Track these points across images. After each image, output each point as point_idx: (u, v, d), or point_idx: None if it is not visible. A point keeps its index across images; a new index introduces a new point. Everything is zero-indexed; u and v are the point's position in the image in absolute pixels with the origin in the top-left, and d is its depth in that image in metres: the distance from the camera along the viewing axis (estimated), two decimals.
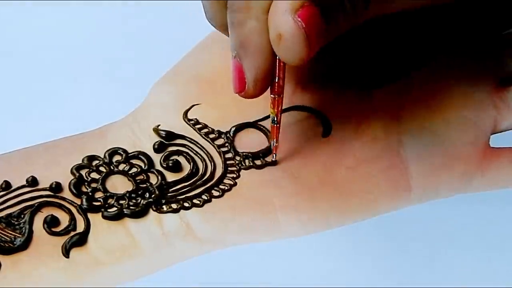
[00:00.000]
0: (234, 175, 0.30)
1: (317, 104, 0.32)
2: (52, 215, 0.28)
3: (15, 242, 0.27)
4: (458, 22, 0.33)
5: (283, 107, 0.31)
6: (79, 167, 0.29)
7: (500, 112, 0.32)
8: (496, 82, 0.32)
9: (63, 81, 0.44)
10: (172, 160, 0.30)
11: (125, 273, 0.28)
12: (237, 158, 0.30)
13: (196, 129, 0.31)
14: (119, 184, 0.29)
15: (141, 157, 0.30)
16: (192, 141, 0.31)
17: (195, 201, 0.29)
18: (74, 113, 0.43)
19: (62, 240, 0.27)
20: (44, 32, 0.45)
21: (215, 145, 0.31)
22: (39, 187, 0.29)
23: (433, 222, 0.41)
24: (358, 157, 0.31)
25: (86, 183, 0.29)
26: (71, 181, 0.29)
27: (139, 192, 0.29)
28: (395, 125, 0.31)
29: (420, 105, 0.32)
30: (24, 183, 0.29)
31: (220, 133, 0.31)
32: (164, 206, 0.29)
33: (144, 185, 0.29)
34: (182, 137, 0.31)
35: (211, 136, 0.31)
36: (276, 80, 0.27)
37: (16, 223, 0.28)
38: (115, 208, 0.28)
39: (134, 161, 0.30)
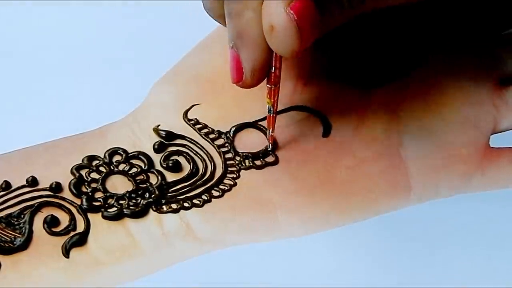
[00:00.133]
0: (234, 175, 0.30)
1: (316, 104, 0.32)
2: (52, 215, 0.28)
3: (15, 242, 0.27)
4: (458, 22, 0.33)
5: (283, 108, 0.31)
6: (79, 167, 0.29)
7: (500, 112, 0.32)
8: (496, 82, 0.32)
9: (63, 81, 0.44)
10: (172, 160, 0.30)
11: (125, 273, 0.28)
12: (237, 158, 0.30)
13: (196, 129, 0.31)
14: (119, 184, 0.29)
15: (141, 157, 0.30)
16: (192, 141, 0.31)
17: (195, 201, 0.29)
18: (74, 113, 0.43)
19: (62, 240, 0.27)
20: (44, 32, 0.45)
21: (215, 145, 0.31)
22: (39, 187, 0.29)
23: (433, 222, 0.41)
24: (358, 156, 0.31)
25: (86, 183, 0.29)
26: (71, 181, 0.29)
27: (139, 192, 0.29)
28: (395, 124, 0.31)
29: (420, 105, 0.32)
30: (24, 183, 0.29)
31: (220, 133, 0.31)
32: (164, 206, 0.29)
33: (144, 185, 0.29)
34: (182, 137, 0.31)
35: (211, 136, 0.31)
36: (273, 70, 0.28)
37: (16, 223, 0.28)
38: (115, 208, 0.28)
39: (134, 161, 0.30)
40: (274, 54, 0.27)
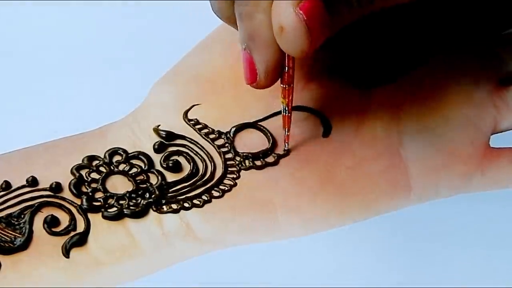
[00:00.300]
0: (234, 176, 0.30)
1: (317, 104, 0.32)
2: (52, 215, 0.28)
3: (15, 242, 0.27)
4: (458, 22, 0.33)
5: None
6: (79, 167, 0.29)
7: (500, 112, 0.32)
8: (496, 82, 0.32)
9: (63, 81, 0.44)
10: (172, 160, 0.30)
11: (125, 273, 0.28)
12: (237, 158, 0.30)
13: (196, 129, 0.31)
14: (119, 184, 0.29)
15: (141, 157, 0.30)
16: (192, 141, 0.31)
17: (195, 201, 0.29)
18: (74, 113, 0.43)
19: (62, 240, 0.27)
20: (44, 32, 0.45)
21: (215, 146, 0.31)
22: (39, 187, 0.29)
23: (433, 222, 0.41)
24: (358, 156, 0.31)
25: (86, 183, 0.29)
26: (71, 181, 0.29)
27: (139, 192, 0.29)
28: (395, 124, 0.31)
29: (420, 105, 0.32)
30: (24, 183, 0.29)
31: (220, 133, 0.31)
32: (164, 206, 0.29)
33: (144, 185, 0.29)
34: (182, 137, 0.31)
35: (211, 136, 0.31)
36: (286, 70, 0.28)
37: (16, 223, 0.28)
38: (115, 208, 0.28)
39: (134, 161, 0.30)
40: (287, 54, 0.27)
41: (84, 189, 0.29)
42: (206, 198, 0.29)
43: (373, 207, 0.30)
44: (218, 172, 0.30)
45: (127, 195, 0.29)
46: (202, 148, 0.30)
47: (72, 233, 0.28)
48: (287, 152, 0.30)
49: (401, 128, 0.31)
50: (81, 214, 0.28)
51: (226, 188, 0.29)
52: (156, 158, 0.30)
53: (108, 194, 0.29)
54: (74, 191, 0.29)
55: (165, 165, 0.30)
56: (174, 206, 0.29)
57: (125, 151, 0.30)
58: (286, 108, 0.29)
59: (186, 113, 0.31)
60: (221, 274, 0.40)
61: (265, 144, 0.31)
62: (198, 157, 0.30)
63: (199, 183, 0.29)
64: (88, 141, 0.31)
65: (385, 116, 0.32)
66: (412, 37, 0.33)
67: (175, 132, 0.31)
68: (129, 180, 0.29)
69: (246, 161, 0.30)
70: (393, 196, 0.30)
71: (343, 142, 0.31)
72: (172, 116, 0.31)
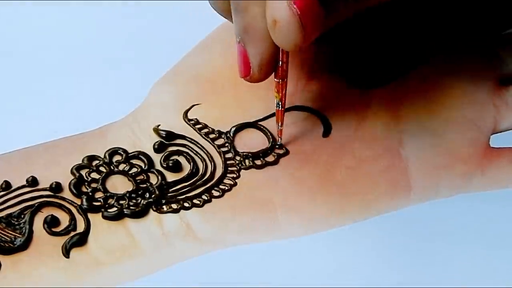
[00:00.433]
0: (234, 175, 0.30)
1: (317, 104, 0.32)
2: (52, 215, 0.28)
3: (15, 242, 0.27)
4: (458, 22, 0.33)
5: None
6: (79, 167, 0.29)
7: (500, 112, 0.32)
8: (496, 82, 0.32)
9: (63, 81, 0.44)
10: (172, 160, 0.30)
11: (125, 273, 0.28)
12: (237, 158, 0.30)
13: (196, 129, 0.31)
14: (119, 184, 0.29)
15: (141, 157, 0.30)
16: (192, 141, 0.31)
17: (195, 201, 0.29)
18: (74, 113, 0.43)
19: (62, 240, 0.27)
20: (44, 32, 0.45)
21: (215, 145, 0.31)
22: (39, 187, 0.29)
23: (433, 222, 0.41)
24: (358, 157, 0.31)
25: (86, 183, 0.29)
26: (71, 181, 0.29)
27: (139, 192, 0.29)
28: (395, 124, 0.31)
29: (420, 105, 0.32)
30: (24, 183, 0.29)
31: (220, 133, 0.31)
32: (164, 206, 0.29)
33: (144, 185, 0.29)
34: (182, 137, 0.31)
35: (211, 136, 0.31)
36: (280, 65, 0.28)
37: (16, 223, 0.28)
38: (115, 208, 0.28)
39: (134, 161, 0.30)
40: (281, 49, 0.27)
41: (84, 189, 0.29)
42: (206, 198, 0.29)
43: (373, 207, 0.30)
44: (218, 172, 0.30)
45: (127, 195, 0.29)
46: (202, 148, 0.30)
47: (72, 233, 0.28)
48: (286, 151, 0.30)
49: (401, 128, 0.31)
50: (81, 214, 0.28)
51: (226, 188, 0.29)
52: (156, 158, 0.30)
53: (108, 194, 0.29)
54: (74, 191, 0.29)
55: (165, 165, 0.30)
56: (174, 206, 0.29)
57: (125, 151, 0.30)
58: (280, 103, 0.29)
59: (186, 113, 0.31)
60: (221, 274, 0.40)
61: (265, 143, 0.31)
62: (198, 157, 0.30)
63: (199, 182, 0.29)
64: (88, 141, 0.31)
65: (385, 116, 0.32)
66: (412, 37, 0.33)
67: (175, 132, 0.31)
68: (129, 180, 0.29)
69: (246, 161, 0.30)
70: (393, 196, 0.30)
71: (343, 142, 0.31)
72: (172, 116, 0.31)
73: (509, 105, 0.32)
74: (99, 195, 0.29)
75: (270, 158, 0.30)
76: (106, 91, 0.44)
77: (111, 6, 0.45)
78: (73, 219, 0.28)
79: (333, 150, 0.31)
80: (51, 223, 0.28)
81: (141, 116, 0.31)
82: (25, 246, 0.27)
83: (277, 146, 0.31)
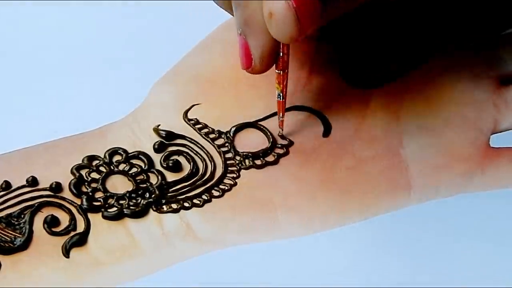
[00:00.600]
0: (234, 175, 0.30)
1: (316, 104, 0.32)
2: (52, 215, 0.28)
3: (15, 242, 0.27)
4: (458, 22, 0.33)
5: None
6: (79, 167, 0.29)
7: (500, 112, 0.32)
8: (496, 82, 0.33)
9: (63, 81, 0.44)
10: (172, 160, 0.30)
11: (125, 273, 0.28)
12: (237, 158, 0.30)
13: (196, 129, 0.31)
14: (119, 184, 0.29)
15: (141, 157, 0.30)
16: (192, 141, 0.31)
17: (195, 201, 0.29)
18: (74, 113, 0.43)
19: (62, 240, 0.27)
20: (44, 32, 0.45)
21: (215, 145, 0.31)
22: (39, 187, 0.29)
23: (433, 222, 0.41)
24: (358, 157, 0.31)
25: (86, 183, 0.29)
26: (71, 181, 0.29)
27: (139, 192, 0.29)
28: (395, 124, 0.31)
29: (420, 105, 0.32)
30: (24, 183, 0.29)
31: (220, 133, 0.31)
32: (164, 206, 0.29)
33: (144, 185, 0.29)
34: (182, 137, 0.31)
35: (211, 136, 0.31)
36: (281, 56, 0.28)
37: (16, 223, 0.28)
38: (115, 208, 0.28)
39: (134, 161, 0.30)
40: None
41: (84, 189, 0.29)
42: (206, 198, 0.29)
43: (373, 207, 0.30)
44: (218, 172, 0.30)
45: (127, 195, 0.29)
46: (202, 147, 0.30)
47: (72, 233, 0.28)
48: (286, 151, 0.30)
49: (401, 128, 0.31)
50: (81, 214, 0.28)
51: (226, 188, 0.29)
52: (156, 158, 0.30)
53: (108, 194, 0.29)
54: (74, 191, 0.29)
55: (165, 165, 0.30)
56: (174, 205, 0.29)
57: (125, 151, 0.30)
58: (281, 94, 0.30)
59: (186, 113, 0.31)
60: (221, 274, 0.40)
61: (265, 143, 0.31)
62: (198, 157, 0.30)
63: (199, 182, 0.29)
64: (88, 141, 0.31)
65: (385, 116, 0.32)
66: (412, 37, 0.33)
67: (175, 132, 0.31)
68: (129, 180, 0.29)
69: (246, 161, 0.30)
70: (393, 196, 0.30)
71: (343, 142, 0.31)
72: (172, 116, 0.31)
73: (509, 105, 0.32)
74: (99, 195, 0.29)
75: (270, 158, 0.30)
76: (106, 91, 0.44)
77: (111, 6, 0.45)
78: (73, 219, 0.28)
79: (333, 150, 0.31)
80: (51, 223, 0.28)
81: (141, 116, 0.31)
82: (25, 246, 0.27)
83: (279, 135, 0.31)
